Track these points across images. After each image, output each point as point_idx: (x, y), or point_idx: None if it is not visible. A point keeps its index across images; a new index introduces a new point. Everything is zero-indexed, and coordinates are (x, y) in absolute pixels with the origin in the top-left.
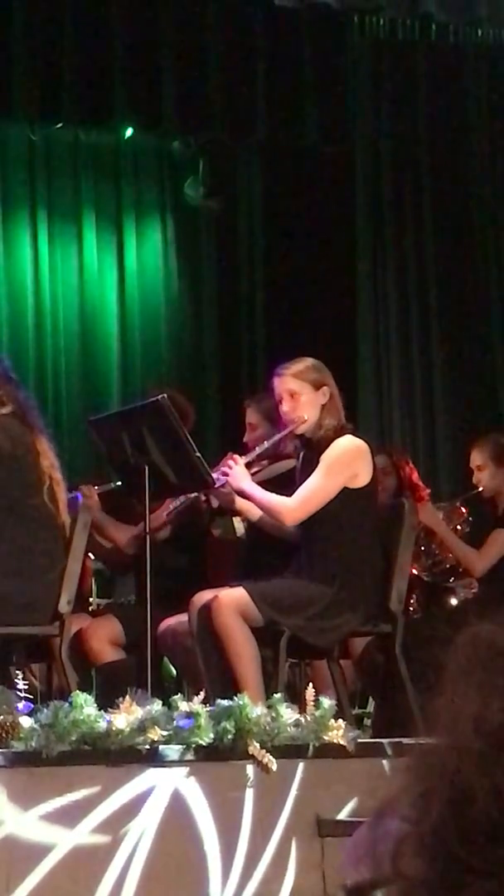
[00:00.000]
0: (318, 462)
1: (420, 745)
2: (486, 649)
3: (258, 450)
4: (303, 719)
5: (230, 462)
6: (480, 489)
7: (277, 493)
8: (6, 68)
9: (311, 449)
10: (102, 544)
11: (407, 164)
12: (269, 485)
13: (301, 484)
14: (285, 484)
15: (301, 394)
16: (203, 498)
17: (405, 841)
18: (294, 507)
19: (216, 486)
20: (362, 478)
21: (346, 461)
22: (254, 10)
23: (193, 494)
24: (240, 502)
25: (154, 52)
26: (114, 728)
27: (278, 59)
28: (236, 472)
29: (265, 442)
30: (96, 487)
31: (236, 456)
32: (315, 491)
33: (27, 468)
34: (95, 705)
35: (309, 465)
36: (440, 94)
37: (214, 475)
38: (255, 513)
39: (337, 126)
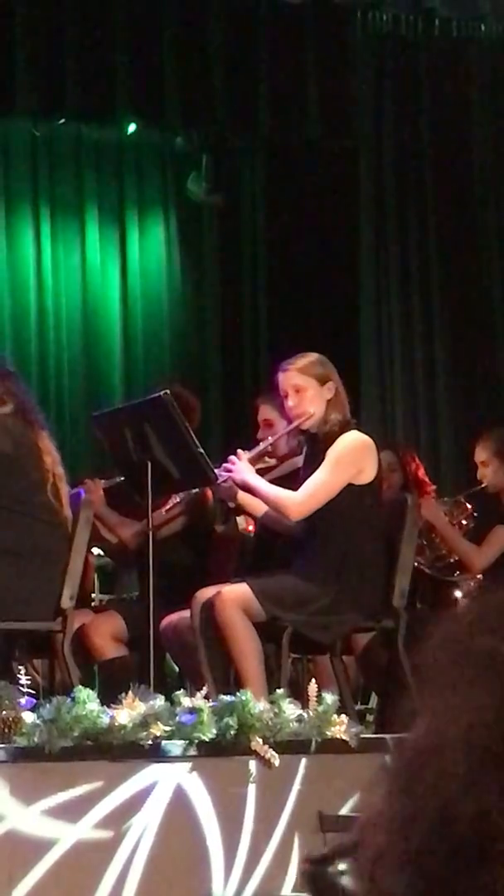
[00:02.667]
0: (323, 457)
1: (404, 760)
2: (467, 660)
3: (262, 445)
4: (305, 715)
5: (233, 457)
6: (484, 485)
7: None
8: (9, 64)
9: (317, 444)
10: (108, 539)
11: (410, 159)
12: (280, 481)
13: (305, 479)
14: (294, 480)
15: (307, 389)
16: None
17: (387, 856)
18: (300, 501)
19: (218, 481)
20: (367, 473)
21: (352, 456)
22: (257, 4)
23: (194, 490)
24: (242, 498)
25: (157, 48)
26: (116, 723)
27: (281, 55)
28: (240, 467)
29: (269, 437)
30: (102, 481)
31: (240, 451)
32: (320, 485)
33: (30, 468)
34: (98, 701)
35: (314, 461)
36: (443, 89)
37: (217, 471)
38: (257, 509)
39: (340, 121)
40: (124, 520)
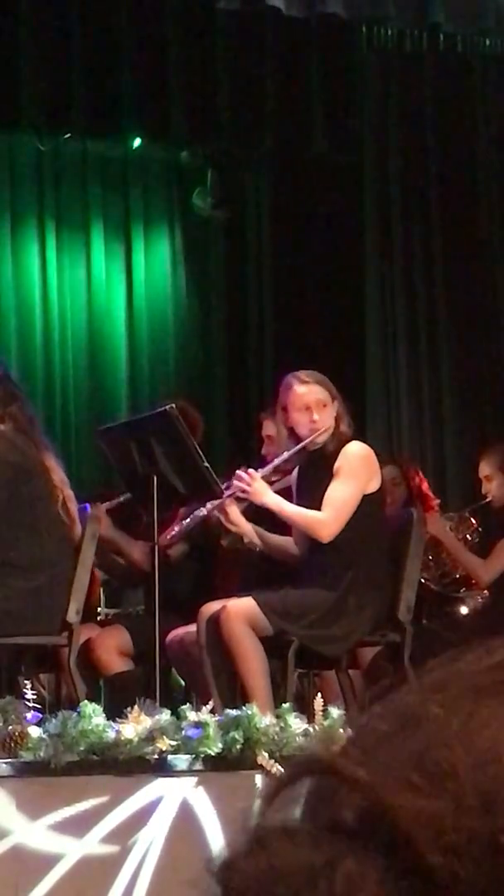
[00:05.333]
0: (329, 471)
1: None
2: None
3: (276, 461)
4: (311, 729)
5: (245, 476)
6: (489, 499)
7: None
8: (14, 79)
9: (324, 458)
10: (118, 561)
11: (415, 174)
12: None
13: (300, 494)
14: (287, 497)
15: (327, 403)
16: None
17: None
18: (329, 520)
19: (228, 496)
20: (375, 482)
21: (365, 466)
22: (261, 19)
23: (201, 516)
24: (239, 522)
25: (162, 63)
26: (122, 738)
27: (286, 70)
28: (257, 488)
29: (284, 453)
30: (105, 504)
31: (251, 471)
32: (346, 501)
33: (38, 478)
34: (104, 715)
35: (317, 474)
36: (448, 104)
37: (229, 487)
38: (248, 533)
39: (345, 136)
40: (132, 540)
